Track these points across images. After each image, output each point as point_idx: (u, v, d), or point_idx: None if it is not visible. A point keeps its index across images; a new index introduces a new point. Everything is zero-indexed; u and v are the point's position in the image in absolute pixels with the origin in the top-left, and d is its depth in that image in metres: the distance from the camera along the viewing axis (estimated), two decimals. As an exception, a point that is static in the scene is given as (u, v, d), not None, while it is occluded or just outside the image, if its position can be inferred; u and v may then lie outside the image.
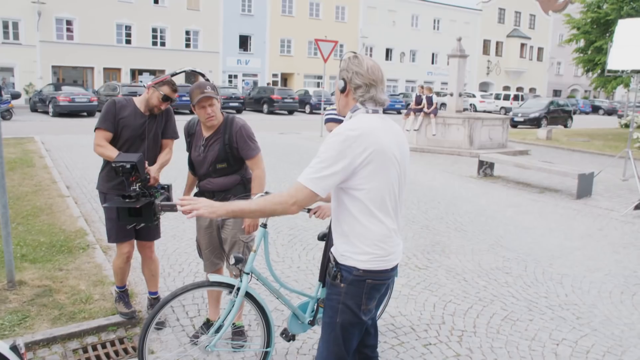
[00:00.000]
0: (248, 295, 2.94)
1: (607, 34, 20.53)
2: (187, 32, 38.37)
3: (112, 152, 3.51)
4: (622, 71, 10.86)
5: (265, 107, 30.81)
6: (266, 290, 3.19)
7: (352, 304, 2.21)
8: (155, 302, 3.94)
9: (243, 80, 40.99)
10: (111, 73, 35.43)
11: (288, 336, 3.27)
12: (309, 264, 5.27)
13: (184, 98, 21.83)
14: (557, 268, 5.49)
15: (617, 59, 10.45)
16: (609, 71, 10.84)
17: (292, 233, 6.26)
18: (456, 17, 51.60)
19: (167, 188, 3.62)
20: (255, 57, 41.26)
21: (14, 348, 2.54)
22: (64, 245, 5.26)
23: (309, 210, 3.04)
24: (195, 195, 3.58)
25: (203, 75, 3.64)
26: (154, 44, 37.17)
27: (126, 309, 3.79)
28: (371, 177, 2.10)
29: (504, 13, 55.91)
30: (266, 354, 3.05)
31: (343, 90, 2.25)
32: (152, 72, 36.99)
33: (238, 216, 2.24)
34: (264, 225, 3.03)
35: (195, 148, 3.49)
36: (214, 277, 2.97)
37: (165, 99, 3.63)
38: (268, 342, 3.03)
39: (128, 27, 36.05)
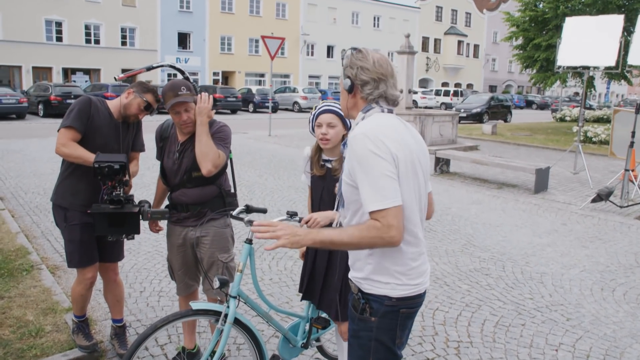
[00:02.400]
0: (236, 321, 2.57)
1: (545, 32, 21.25)
2: (123, 30, 36.75)
3: (86, 154, 2.97)
4: (560, 67, 11.11)
5: (208, 106, 29.95)
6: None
7: (386, 339, 1.89)
8: (121, 331, 3.45)
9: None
10: (41, 72, 33.35)
11: None
12: (282, 275, 4.90)
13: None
14: (534, 267, 5.39)
15: (566, 55, 10.66)
16: (559, 67, 11.06)
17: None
18: (395, 15, 52.26)
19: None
20: (195, 55, 40.11)
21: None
22: (3, 267, 4.60)
23: (299, 220, 2.67)
24: (167, 207, 3.15)
25: (182, 72, 3.19)
26: (88, 41, 35.32)
27: (87, 341, 3.29)
28: (402, 186, 1.79)
29: (441, 11, 57.16)
30: None
31: (350, 90, 1.93)
32: (87, 72, 35.19)
33: (327, 247, 1.83)
34: (249, 242, 2.66)
35: (168, 154, 3.06)
36: (197, 305, 2.57)
37: (147, 107, 3.15)
38: None
39: (58, 24, 34.06)
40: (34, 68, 33.17)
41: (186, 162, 2.97)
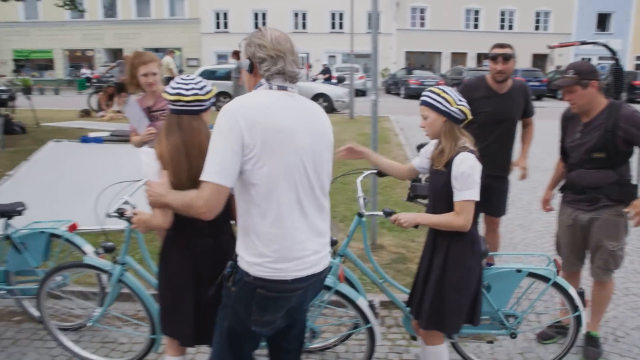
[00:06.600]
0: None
1: None
2: (537, 14, 36.44)
3: None
4: None
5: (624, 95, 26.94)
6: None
7: (241, 310, 1.98)
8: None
9: (598, 64, 36.68)
10: (458, 57, 36.49)
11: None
12: None
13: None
14: None
15: None
16: None
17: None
18: None
19: None
20: (615, 38, 36.29)
21: (371, 305, 2.85)
22: (416, 218, 5.62)
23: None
24: (562, 189, 3.30)
25: (614, 54, 3.25)
26: (502, 27, 36.56)
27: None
28: (262, 161, 1.80)
29: None
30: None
31: (251, 70, 1.95)
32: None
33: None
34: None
35: (570, 134, 3.19)
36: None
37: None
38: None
39: (476, 12, 36.39)
40: (452, 53, 36.58)
41: (587, 141, 3.02)
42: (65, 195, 5.52)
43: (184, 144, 2.14)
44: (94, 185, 2.98)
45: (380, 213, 2.81)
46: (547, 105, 19.54)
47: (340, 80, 23.65)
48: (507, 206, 3.94)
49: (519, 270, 2.84)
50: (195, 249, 2.25)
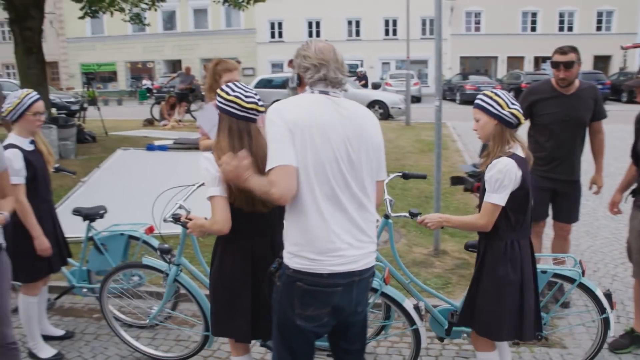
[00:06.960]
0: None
1: None
2: (599, 14, 35.05)
3: None
4: None
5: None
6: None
7: (285, 305, 2.05)
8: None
9: (665, 65, 34.92)
10: (514, 62, 35.56)
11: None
12: None
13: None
14: None
15: None
16: None
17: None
18: None
19: None
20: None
21: (417, 308, 2.87)
22: (477, 224, 5.57)
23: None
24: (633, 193, 3.22)
25: None
26: (561, 29, 35.37)
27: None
28: (303, 150, 1.90)
29: None
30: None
31: (299, 82, 2.07)
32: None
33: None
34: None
35: None
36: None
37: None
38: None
39: (534, 14, 35.37)
40: (508, 58, 35.65)
41: None
42: (134, 200, 5.77)
43: (252, 151, 2.20)
44: (160, 190, 3.14)
45: (407, 214, 2.90)
46: (611, 108, 18.64)
47: (376, 86, 23.93)
48: (579, 213, 3.84)
49: (544, 272, 2.84)
50: (252, 249, 2.33)
